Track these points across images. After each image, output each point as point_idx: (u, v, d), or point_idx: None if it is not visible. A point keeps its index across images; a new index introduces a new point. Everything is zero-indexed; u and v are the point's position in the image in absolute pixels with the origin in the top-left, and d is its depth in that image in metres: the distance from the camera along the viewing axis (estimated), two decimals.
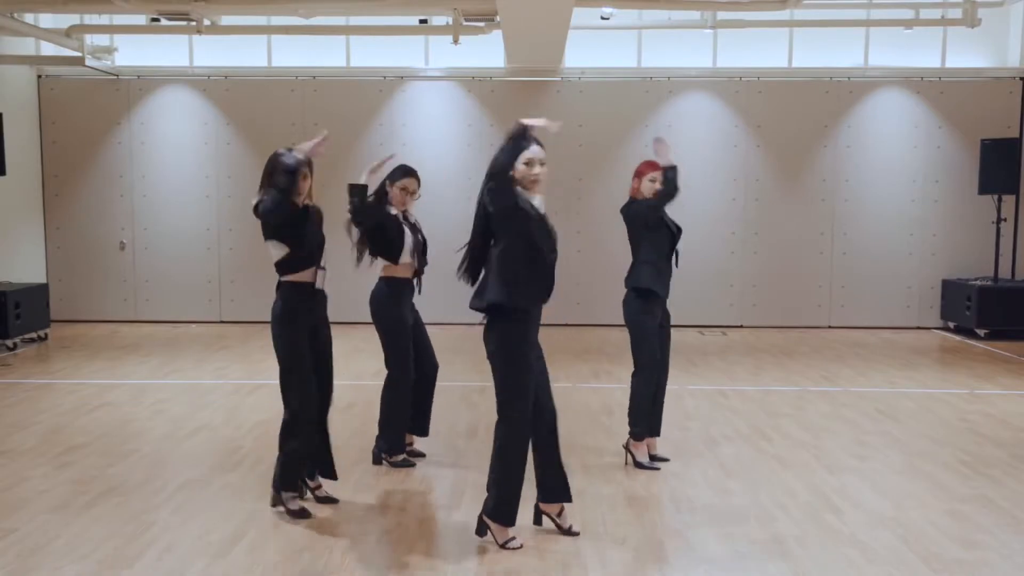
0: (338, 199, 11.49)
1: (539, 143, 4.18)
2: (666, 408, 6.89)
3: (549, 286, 4.13)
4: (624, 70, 11.12)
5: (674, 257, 5.39)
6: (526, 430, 4.15)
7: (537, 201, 4.16)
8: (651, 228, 5.27)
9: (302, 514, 4.54)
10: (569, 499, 4.38)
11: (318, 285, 4.64)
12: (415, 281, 5.48)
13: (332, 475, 4.84)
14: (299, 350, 4.53)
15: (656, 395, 5.49)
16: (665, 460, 5.50)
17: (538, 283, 4.10)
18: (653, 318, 5.33)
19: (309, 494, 4.78)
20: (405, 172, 5.48)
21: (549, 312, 4.51)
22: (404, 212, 5.47)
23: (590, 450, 5.79)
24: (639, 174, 5.36)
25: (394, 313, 5.35)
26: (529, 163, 4.11)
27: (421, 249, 5.45)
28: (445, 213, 11.11)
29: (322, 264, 4.67)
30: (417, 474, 5.32)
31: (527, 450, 4.20)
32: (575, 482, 5.08)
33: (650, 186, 5.27)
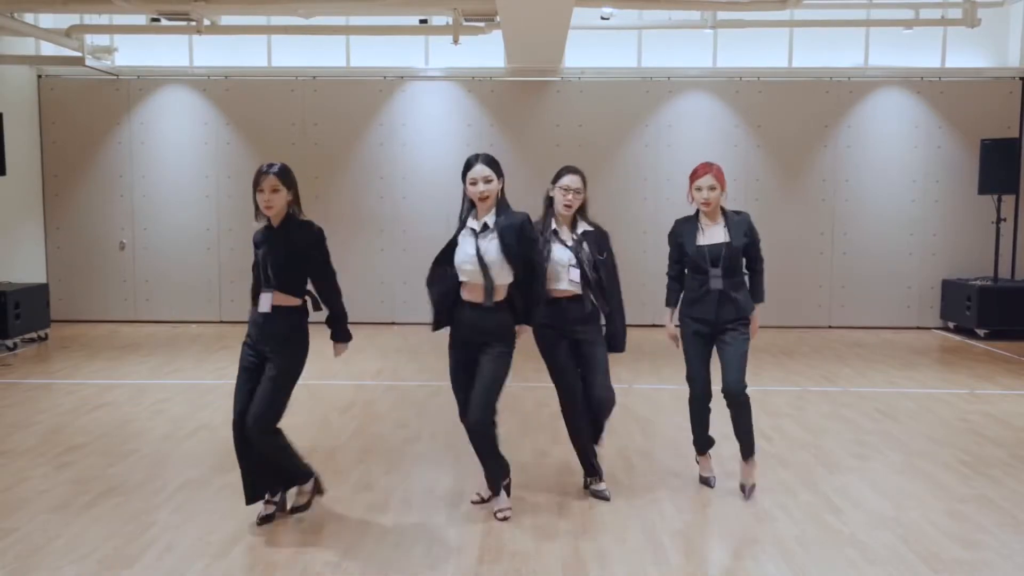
0: (339, 198, 11.53)
1: (487, 162, 4.48)
2: (666, 408, 6.92)
3: (440, 305, 4.54)
4: (624, 70, 11.12)
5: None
6: (462, 420, 4.57)
7: (475, 223, 4.49)
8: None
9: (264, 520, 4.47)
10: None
11: (260, 308, 4.36)
12: (577, 300, 4.76)
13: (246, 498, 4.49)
14: (240, 363, 4.46)
15: (691, 408, 5.09)
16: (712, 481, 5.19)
17: (434, 299, 4.57)
18: (688, 328, 4.94)
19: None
20: (566, 170, 4.82)
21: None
22: (570, 224, 4.80)
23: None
24: (691, 178, 4.88)
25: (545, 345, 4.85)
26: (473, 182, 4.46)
27: (590, 266, 4.71)
28: (444, 213, 11.11)
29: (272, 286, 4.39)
30: (417, 474, 5.32)
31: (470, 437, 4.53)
32: (576, 482, 5.10)
33: (697, 195, 4.83)
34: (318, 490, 4.66)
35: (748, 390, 4.82)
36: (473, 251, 4.42)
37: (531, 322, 4.60)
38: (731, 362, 4.79)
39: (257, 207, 4.32)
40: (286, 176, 4.33)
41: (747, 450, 4.93)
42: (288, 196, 4.33)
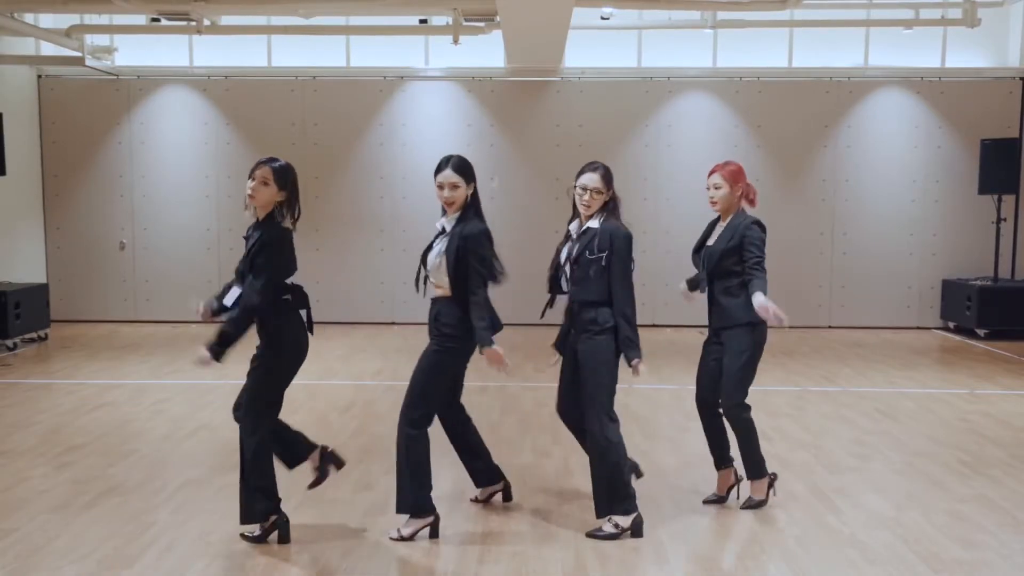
0: (339, 198, 11.49)
1: (457, 167, 4.37)
2: (667, 408, 6.94)
3: None
4: (624, 70, 11.12)
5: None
6: None
7: (439, 223, 4.48)
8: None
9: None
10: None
11: (225, 300, 4.30)
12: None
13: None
14: None
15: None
16: (717, 500, 4.92)
17: None
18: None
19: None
20: (587, 167, 4.50)
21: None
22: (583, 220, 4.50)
23: None
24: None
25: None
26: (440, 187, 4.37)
27: (570, 260, 4.46)
28: None
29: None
30: None
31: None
32: (576, 482, 5.10)
33: (707, 194, 4.76)
34: (284, 533, 4.27)
35: (750, 389, 4.66)
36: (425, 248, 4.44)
37: (480, 343, 4.28)
38: (724, 376, 4.67)
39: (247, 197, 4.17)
40: (282, 175, 4.14)
41: (747, 471, 4.79)
42: (278, 195, 4.14)
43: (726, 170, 4.72)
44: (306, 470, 4.52)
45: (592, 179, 4.40)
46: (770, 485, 4.79)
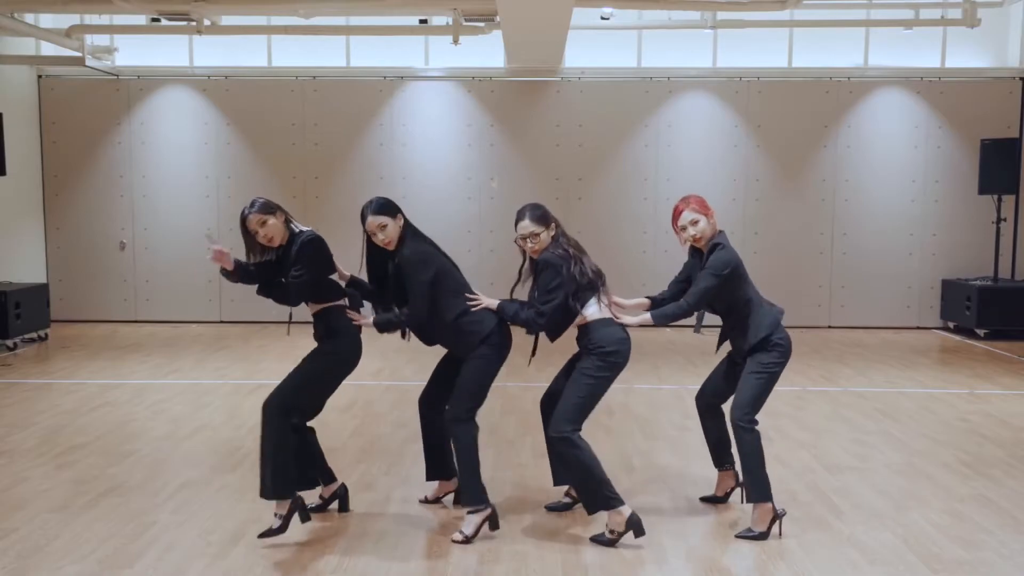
0: (339, 198, 11.48)
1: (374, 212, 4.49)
2: (667, 408, 6.94)
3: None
4: (624, 70, 11.12)
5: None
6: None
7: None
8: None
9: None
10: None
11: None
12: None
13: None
14: None
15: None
16: (718, 499, 4.87)
17: None
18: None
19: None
20: (518, 215, 4.43)
21: None
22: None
23: None
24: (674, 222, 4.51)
25: None
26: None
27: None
28: (444, 213, 11.11)
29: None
30: (417, 474, 5.32)
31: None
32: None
33: (683, 237, 4.48)
34: (303, 515, 4.33)
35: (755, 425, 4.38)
36: None
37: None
38: (738, 388, 4.55)
39: (252, 247, 4.32)
40: (267, 208, 4.30)
41: (747, 493, 4.44)
42: (279, 219, 4.32)
43: (695, 202, 4.44)
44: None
45: (526, 226, 4.33)
46: (775, 519, 4.34)
